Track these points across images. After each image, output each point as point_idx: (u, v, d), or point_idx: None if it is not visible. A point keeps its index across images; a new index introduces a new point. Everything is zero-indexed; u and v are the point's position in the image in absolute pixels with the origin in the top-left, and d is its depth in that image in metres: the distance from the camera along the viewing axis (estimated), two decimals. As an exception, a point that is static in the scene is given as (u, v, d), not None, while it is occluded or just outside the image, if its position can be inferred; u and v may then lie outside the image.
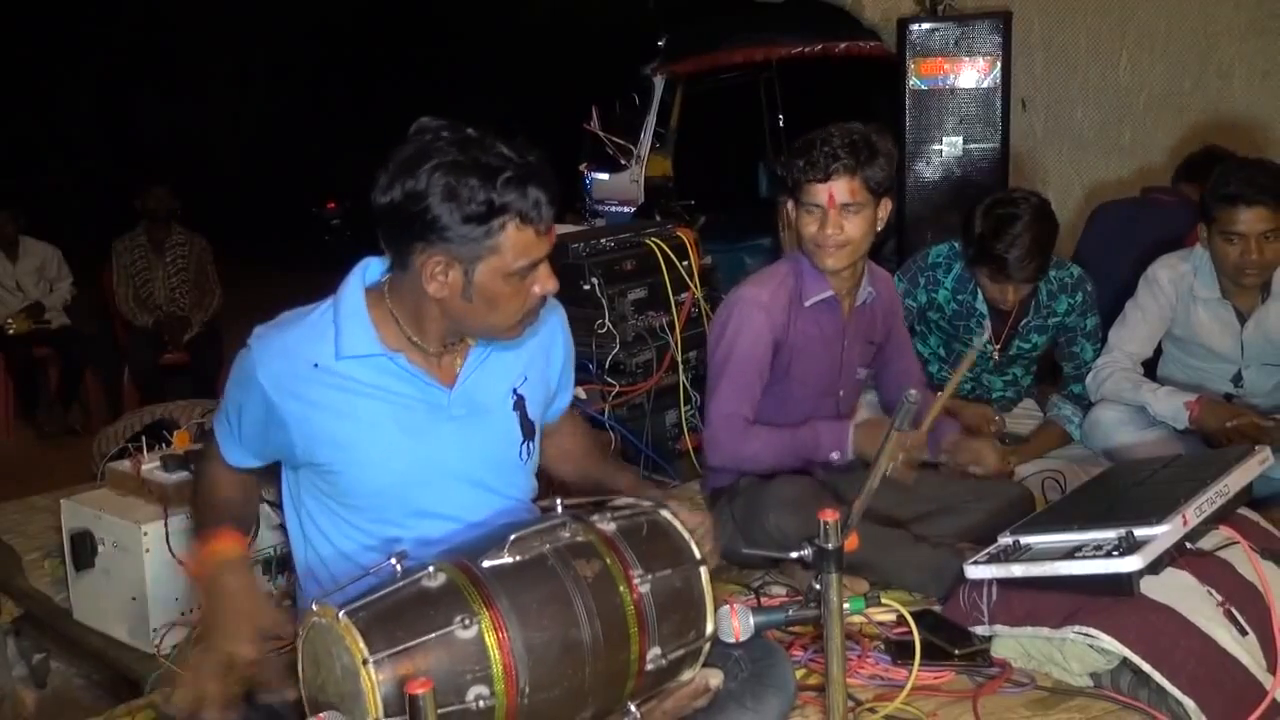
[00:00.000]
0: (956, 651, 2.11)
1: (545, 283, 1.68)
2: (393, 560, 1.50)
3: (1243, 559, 2.09)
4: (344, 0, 9.96)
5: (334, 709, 1.44)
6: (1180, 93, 4.30)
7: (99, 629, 2.50)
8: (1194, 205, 3.50)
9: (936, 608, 2.27)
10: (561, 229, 3.82)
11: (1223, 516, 2.16)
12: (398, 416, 1.73)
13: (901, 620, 1.91)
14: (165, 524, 2.36)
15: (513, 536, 1.52)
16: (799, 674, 2.00)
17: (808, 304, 2.54)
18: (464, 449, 1.77)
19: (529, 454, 1.86)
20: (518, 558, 1.52)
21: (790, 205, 2.51)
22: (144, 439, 2.71)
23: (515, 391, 1.83)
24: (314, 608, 1.48)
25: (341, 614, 1.41)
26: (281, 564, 2.45)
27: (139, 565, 2.35)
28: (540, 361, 1.89)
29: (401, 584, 1.46)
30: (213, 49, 9.80)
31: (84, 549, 2.48)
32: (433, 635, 1.41)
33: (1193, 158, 3.78)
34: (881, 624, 2.21)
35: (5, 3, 8.48)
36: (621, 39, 7.09)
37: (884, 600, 2.03)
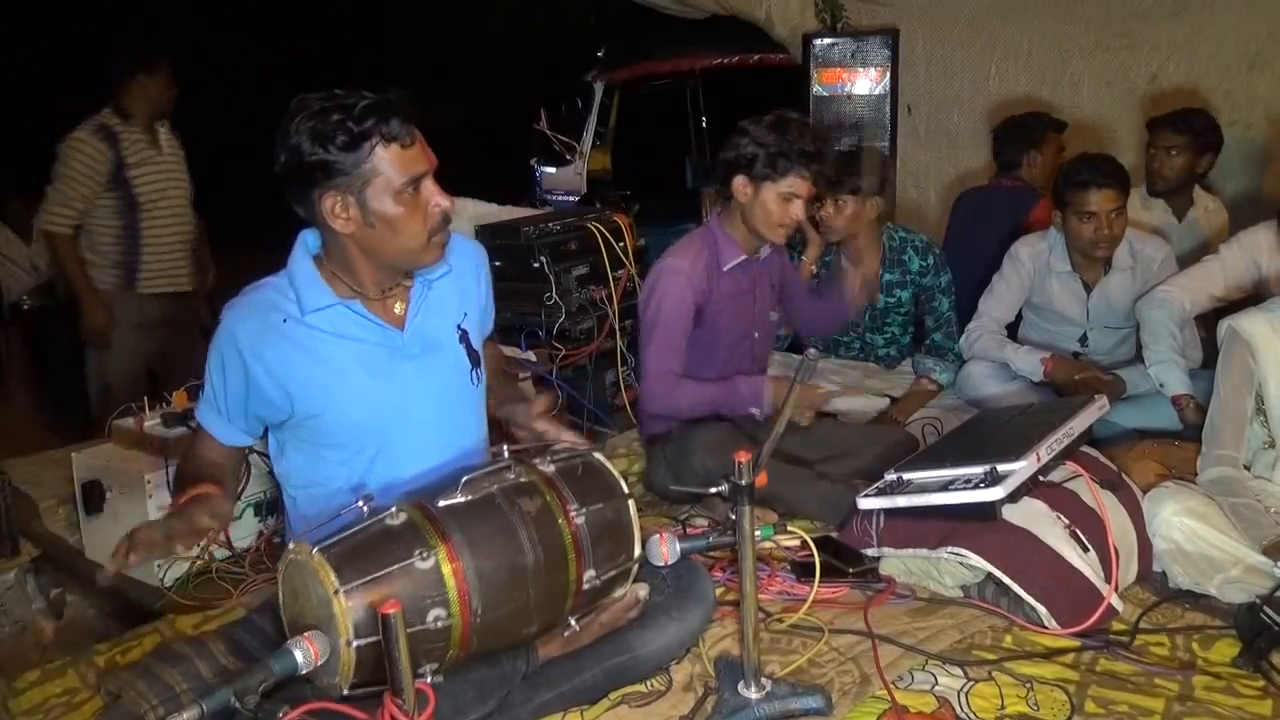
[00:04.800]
0: (850, 570, 2.12)
1: (435, 198, 1.64)
2: (360, 503, 1.47)
3: (1085, 489, 2.12)
4: (314, 7, 9.64)
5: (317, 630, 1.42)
6: (1040, 100, 4.32)
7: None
8: (1030, 187, 3.55)
9: (834, 534, 2.28)
10: (513, 213, 3.79)
11: (1069, 454, 2.19)
12: (363, 359, 1.70)
13: (805, 545, 1.91)
14: (167, 472, 2.31)
15: (464, 479, 1.50)
16: (718, 591, 2.00)
17: (725, 269, 2.55)
18: (424, 383, 1.75)
19: (478, 380, 1.84)
20: (469, 497, 1.50)
21: (743, 183, 2.48)
22: (145, 398, 2.62)
23: (459, 327, 1.81)
24: (290, 545, 1.44)
25: (315, 550, 1.38)
26: (271, 507, 2.41)
27: (143, 508, 2.30)
28: (473, 296, 1.87)
29: (368, 523, 1.44)
30: (204, 40, 9.42)
31: (93, 496, 2.42)
32: (395, 567, 1.39)
33: (1004, 125, 3.78)
34: (788, 548, 2.21)
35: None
36: (566, 50, 6.99)
37: (790, 528, 2.03)
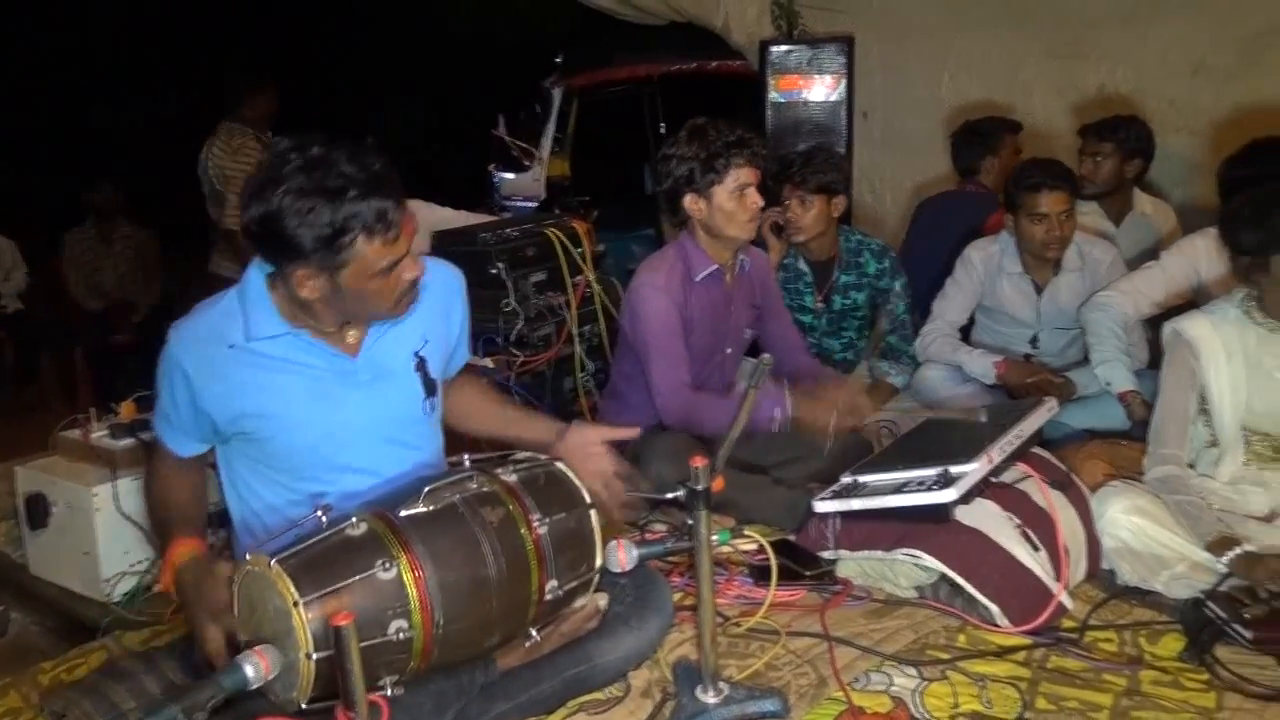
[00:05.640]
0: (807, 573, 2.17)
1: (408, 271, 1.63)
2: (318, 513, 1.48)
3: (1036, 489, 2.18)
4: (281, 9, 9.54)
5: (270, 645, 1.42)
6: (992, 106, 4.41)
7: (54, 581, 2.40)
8: (991, 192, 3.64)
9: (791, 537, 2.32)
10: (471, 219, 3.79)
11: (1020, 455, 2.25)
12: (310, 386, 1.69)
13: (762, 549, 1.95)
14: (114, 486, 2.28)
15: (426, 489, 1.51)
16: (676, 597, 2.03)
17: (697, 279, 2.57)
18: (373, 410, 1.74)
19: (432, 409, 1.84)
20: (431, 507, 1.51)
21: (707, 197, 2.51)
22: (92, 409, 2.59)
23: (416, 354, 1.80)
24: (247, 557, 1.44)
25: (273, 562, 1.38)
26: (221, 519, 2.38)
27: (90, 523, 2.27)
28: (440, 325, 1.86)
29: (327, 534, 1.44)
30: (158, 47, 9.27)
31: (38, 510, 2.39)
32: (357, 578, 1.39)
33: (963, 130, 3.89)
34: (745, 552, 2.25)
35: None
36: (525, 56, 7.00)
37: (747, 532, 2.08)
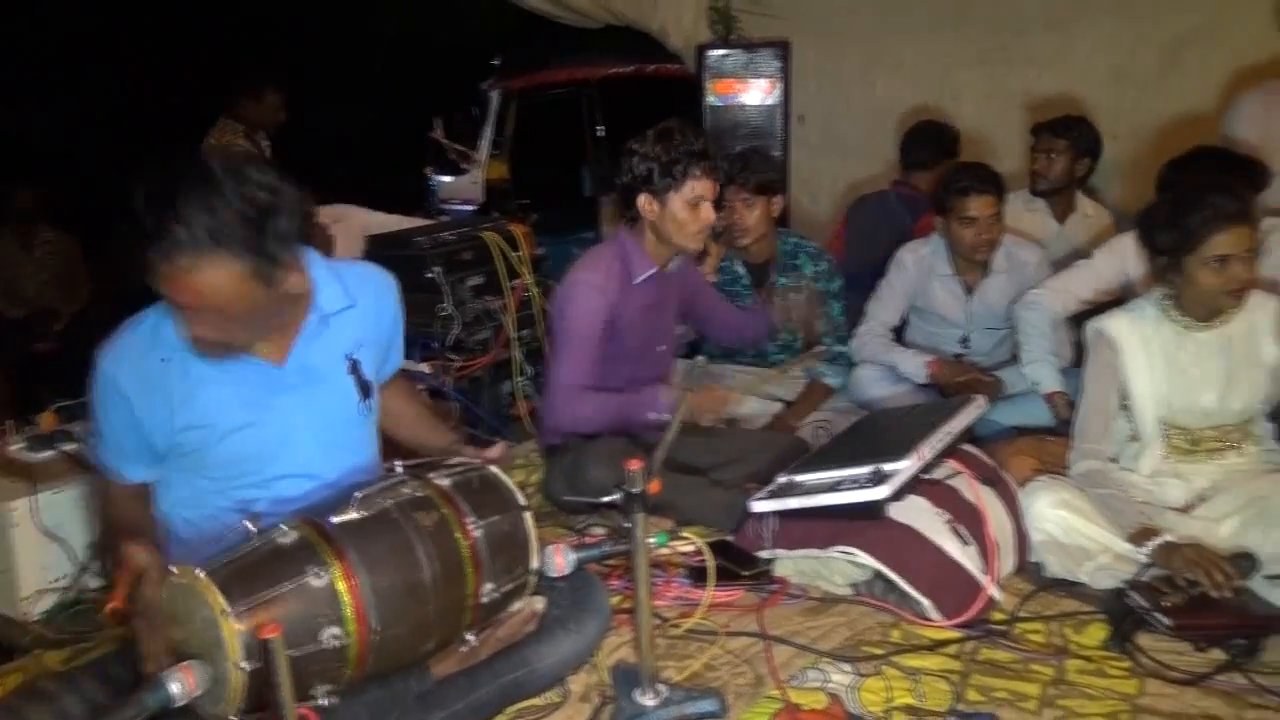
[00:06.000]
0: (744, 573, 2.19)
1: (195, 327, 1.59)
2: (247, 523, 1.46)
3: (966, 485, 2.23)
4: (213, 9, 9.33)
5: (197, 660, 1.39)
6: (924, 110, 4.51)
7: (-30, 601, 2.31)
8: (923, 194, 3.72)
9: (729, 538, 2.34)
10: (405, 223, 3.77)
11: (950, 452, 2.30)
12: (239, 394, 1.67)
13: (700, 550, 1.97)
14: (33, 501, 2.21)
15: (358, 495, 1.50)
16: (615, 600, 2.04)
17: (636, 282, 2.59)
18: (307, 413, 1.73)
19: (369, 410, 1.83)
20: (364, 513, 1.50)
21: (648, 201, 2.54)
22: (10, 421, 2.51)
23: (349, 357, 1.78)
24: (173, 569, 1.42)
25: (200, 572, 1.36)
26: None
27: (7, 539, 2.19)
28: (373, 327, 1.84)
29: (257, 543, 1.43)
30: (79, 49, 9.00)
31: (-47, 526, 2.29)
32: (287, 586, 1.38)
33: (911, 132, 3.97)
34: (684, 554, 2.26)
35: None
36: (462, 58, 6.96)
37: (685, 534, 2.10)
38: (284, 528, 1.44)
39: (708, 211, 2.51)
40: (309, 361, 1.73)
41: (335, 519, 1.47)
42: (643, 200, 2.52)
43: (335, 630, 1.39)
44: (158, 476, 1.74)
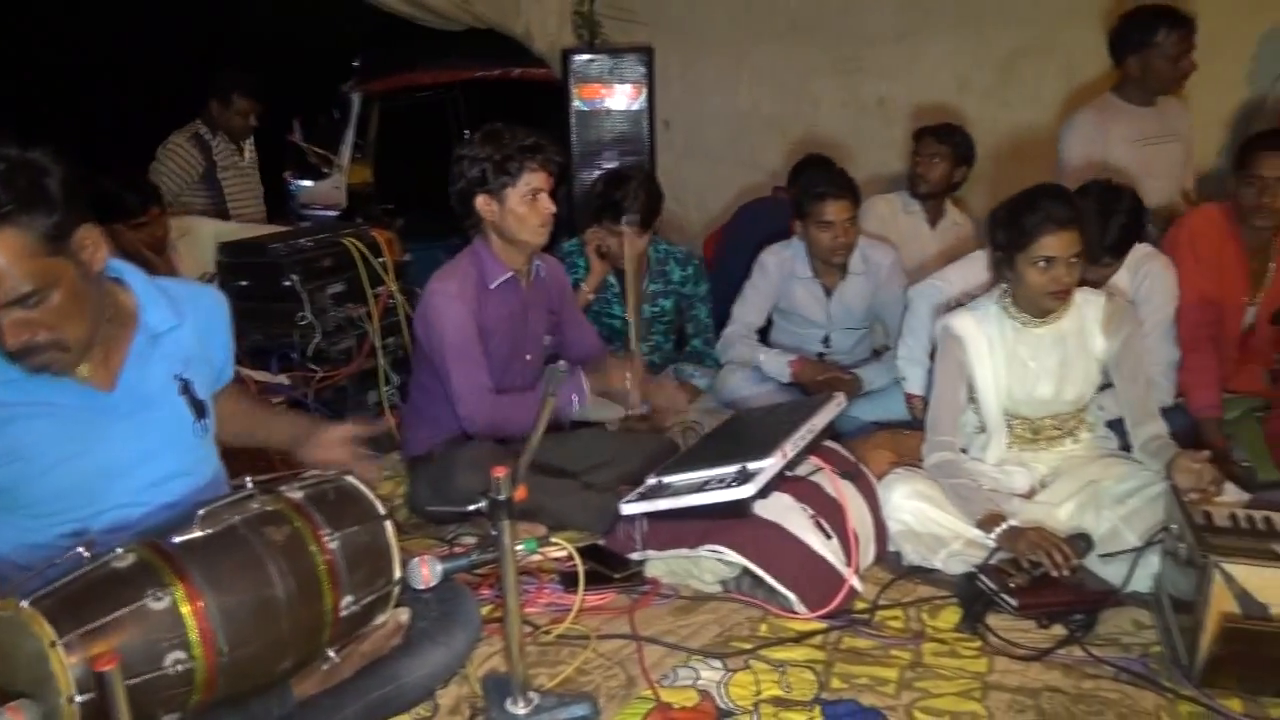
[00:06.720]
0: (616, 576, 2.20)
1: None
2: (80, 549, 1.37)
3: (827, 480, 2.30)
4: (68, 7, 8.75)
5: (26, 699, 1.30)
6: (784, 117, 4.64)
7: None
8: None
9: (601, 541, 2.35)
10: (259, 229, 3.62)
11: (813, 449, 2.37)
12: (64, 428, 1.56)
13: (572, 555, 1.96)
14: None
15: (201, 513, 1.43)
16: (486, 609, 2.02)
17: (492, 286, 2.56)
18: (142, 441, 1.63)
19: (204, 431, 1.75)
20: (208, 531, 1.43)
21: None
22: None
23: (179, 378, 1.70)
24: (-8, 603, 1.32)
25: (24, 603, 1.27)
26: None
27: None
28: (201, 346, 1.77)
29: (90, 568, 1.34)
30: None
31: None
32: (124, 611, 1.30)
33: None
34: (556, 559, 2.25)
35: None
36: (320, 60, 6.75)
37: (554, 539, 2.08)
38: (120, 551, 1.36)
39: (546, 203, 2.51)
40: (139, 385, 1.64)
41: (177, 539, 1.40)
42: (481, 202, 2.51)
43: (179, 654, 1.32)
44: None
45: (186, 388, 1.70)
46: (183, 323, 1.70)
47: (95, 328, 1.56)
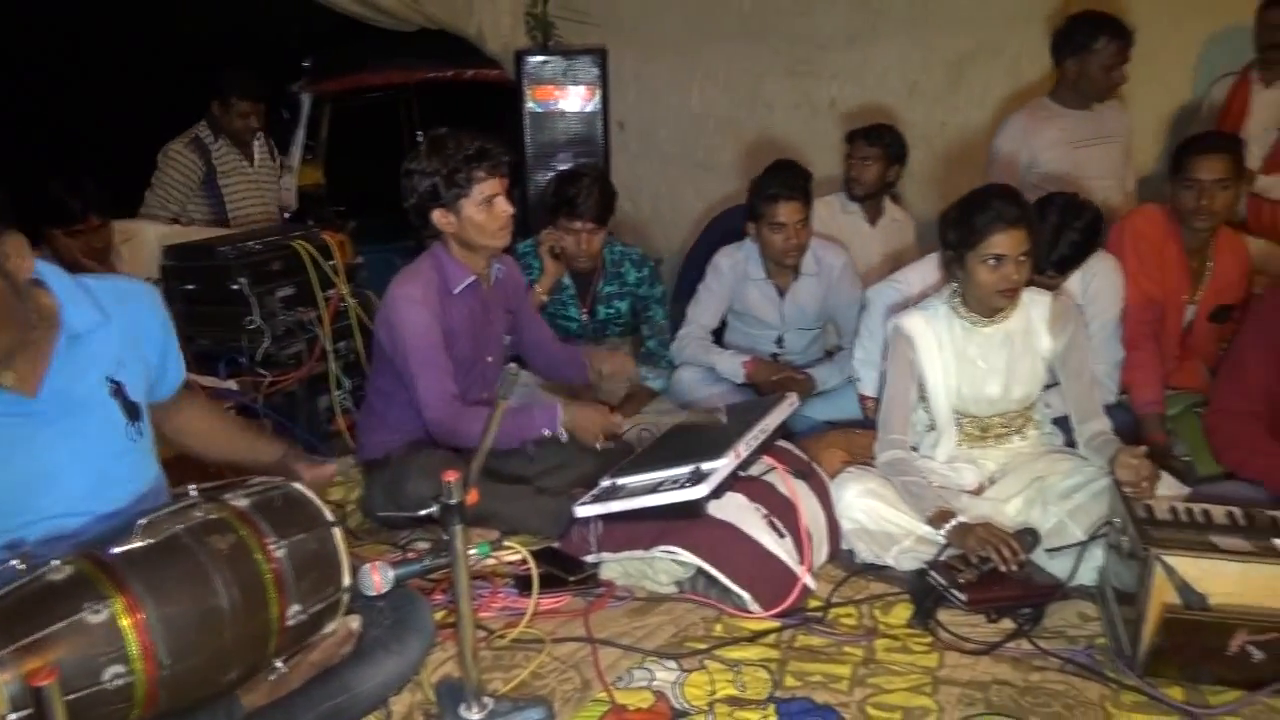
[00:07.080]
0: (571, 579, 2.19)
1: None
2: (14, 562, 1.33)
3: (780, 480, 2.32)
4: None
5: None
6: (738, 119, 4.66)
7: None
8: None
9: (556, 545, 2.34)
10: (205, 231, 3.56)
11: (766, 448, 2.39)
12: None
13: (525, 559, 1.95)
14: None
15: (142, 522, 1.40)
16: (440, 615, 2.00)
17: (455, 291, 2.53)
18: (71, 447, 1.59)
19: (139, 434, 1.69)
20: (149, 541, 1.40)
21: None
22: None
23: (110, 379, 1.65)
24: (-77, 618, 1.28)
25: (-46, 619, 1.23)
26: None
27: None
28: (132, 345, 1.70)
29: (23, 581, 1.30)
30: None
31: None
32: (60, 625, 1.27)
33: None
34: (510, 563, 2.24)
35: None
36: (269, 59, 6.64)
37: (508, 543, 2.07)
38: (56, 563, 1.32)
39: (503, 206, 2.48)
40: (66, 389, 1.58)
41: (116, 549, 1.36)
42: (437, 216, 2.47)
43: (119, 668, 1.29)
44: None
45: (119, 390, 1.65)
46: (109, 321, 1.63)
47: (20, 336, 1.51)
